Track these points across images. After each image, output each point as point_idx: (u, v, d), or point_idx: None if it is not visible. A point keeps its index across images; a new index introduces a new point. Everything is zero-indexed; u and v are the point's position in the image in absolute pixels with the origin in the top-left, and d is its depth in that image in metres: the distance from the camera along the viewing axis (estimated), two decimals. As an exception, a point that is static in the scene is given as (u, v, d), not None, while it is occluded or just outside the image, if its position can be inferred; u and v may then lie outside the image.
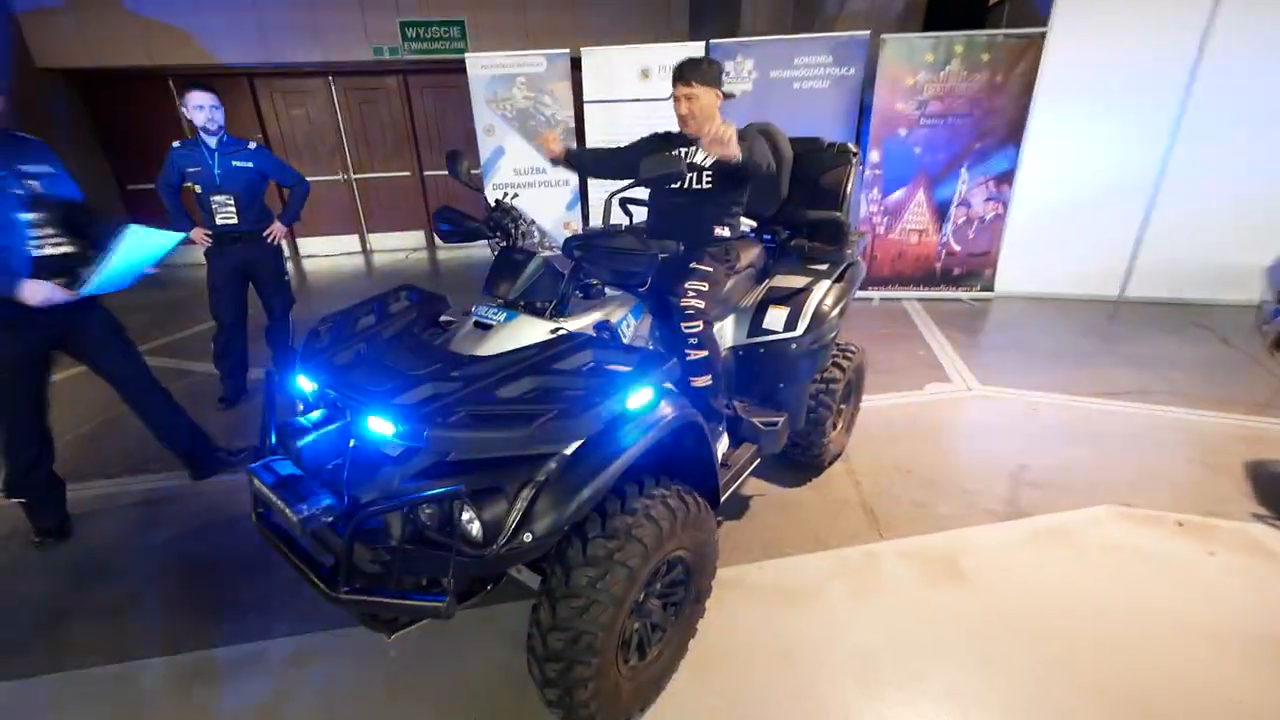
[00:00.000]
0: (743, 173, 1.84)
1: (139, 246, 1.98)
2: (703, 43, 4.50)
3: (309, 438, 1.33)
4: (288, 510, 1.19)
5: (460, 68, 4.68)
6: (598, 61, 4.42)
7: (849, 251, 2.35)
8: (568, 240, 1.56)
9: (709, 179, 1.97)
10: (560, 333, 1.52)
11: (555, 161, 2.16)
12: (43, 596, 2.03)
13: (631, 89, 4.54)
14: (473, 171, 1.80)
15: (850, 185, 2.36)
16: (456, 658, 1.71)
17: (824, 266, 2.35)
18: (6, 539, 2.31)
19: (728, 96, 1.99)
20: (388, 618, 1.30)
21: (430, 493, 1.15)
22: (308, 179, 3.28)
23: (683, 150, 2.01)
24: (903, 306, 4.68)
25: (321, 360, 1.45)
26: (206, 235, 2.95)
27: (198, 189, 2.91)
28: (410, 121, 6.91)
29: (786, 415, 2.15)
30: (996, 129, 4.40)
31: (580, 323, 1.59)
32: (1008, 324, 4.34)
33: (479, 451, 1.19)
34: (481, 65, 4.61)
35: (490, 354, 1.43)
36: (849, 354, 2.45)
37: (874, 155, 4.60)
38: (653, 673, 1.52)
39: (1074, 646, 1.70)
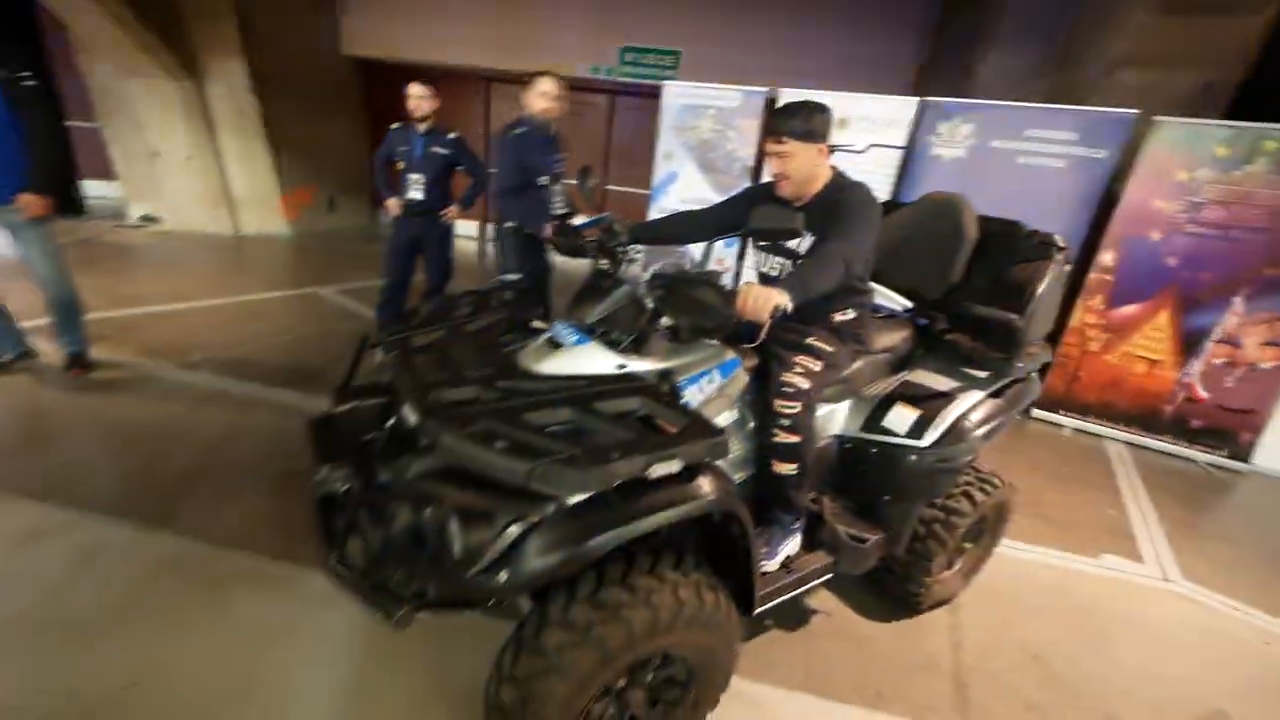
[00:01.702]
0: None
1: None
2: (918, 98, 4.11)
3: (359, 404, 1.39)
4: (317, 468, 1.24)
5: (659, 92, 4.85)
6: (795, 105, 4.26)
7: (1020, 365, 1.91)
8: (652, 275, 1.45)
9: None
10: (624, 370, 1.41)
11: (606, 248, 1.64)
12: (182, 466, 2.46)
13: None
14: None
15: (1042, 286, 1.91)
16: (455, 654, 1.68)
17: (983, 374, 1.93)
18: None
19: (834, 150, 1.68)
20: (368, 604, 1.30)
21: (431, 489, 1.11)
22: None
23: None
24: (1103, 447, 3.74)
25: (402, 337, 1.52)
26: (399, 205, 3.39)
27: (401, 165, 3.38)
28: (608, 137, 7.42)
29: (882, 536, 1.79)
30: (1305, 257, 3.34)
31: (650, 365, 1.47)
32: (1259, 513, 3.22)
33: (486, 470, 1.13)
34: (677, 94, 4.73)
35: (546, 373, 1.38)
36: (990, 486, 1.97)
37: (1107, 257, 3.78)
38: (614, 771, 1.33)
39: None
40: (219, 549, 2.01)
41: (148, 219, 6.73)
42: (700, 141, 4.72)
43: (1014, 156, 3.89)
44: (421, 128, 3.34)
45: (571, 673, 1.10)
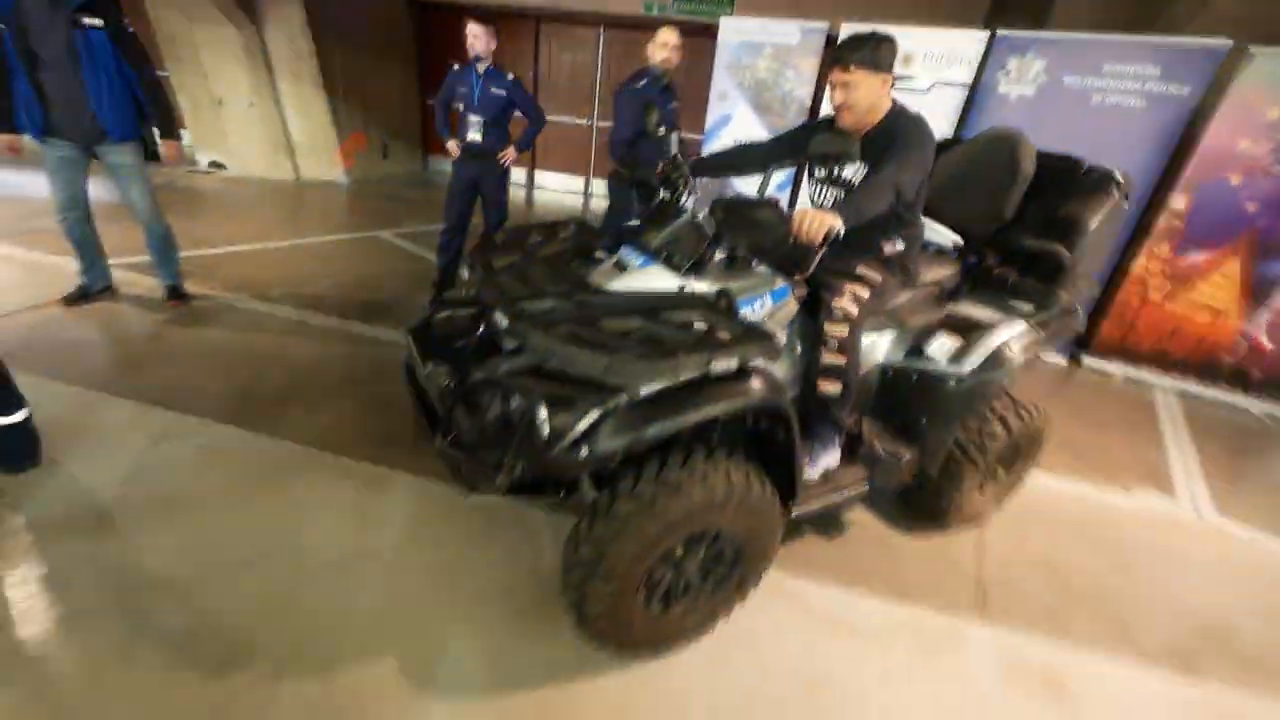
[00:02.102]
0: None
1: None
2: (988, 32, 3.92)
3: (452, 315, 1.58)
4: (419, 367, 1.45)
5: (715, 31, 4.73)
6: (856, 40, 4.12)
7: (1065, 297, 1.96)
8: (714, 201, 1.57)
9: None
10: (685, 290, 1.56)
11: (670, 180, 1.79)
12: (278, 384, 2.77)
13: (884, 72, 4.16)
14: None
15: (1096, 221, 1.93)
16: (528, 541, 1.94)
17: (1027, 306, 1.99)
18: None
19: (897, 81, 1.72)
20: (468, 480, 1.52)
21: (522, 383, 1.30)
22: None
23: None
24: (1153, 396, 3.71)
25: (484, 259, 1.70)
26: (458, 147, 3.52)
27: (460, 107, 3.48)
28: (661, 80, 7.24)
29: (916, 453, 1.92)
30: (1398, 200, 3.14)
31: (708, 287, 1.60)
32: (1310, 461, 3.19)
33: (567, 366, 1.31)
34: (733, 29, 4.61)
35: (615, 290, 1.53)
36: (1024, 414, 2.06)
37: (1179, 202, 3.63)
38: (670, 628, 1.56)
39: None
40: (320, 452, 2.30)
41: (216, 165, 7.09)
42: (756, 81, 4.64)
43: (1088, 95, 3.71)
44: (480, 68, 3.39)
45: (638, 536, 1.30)
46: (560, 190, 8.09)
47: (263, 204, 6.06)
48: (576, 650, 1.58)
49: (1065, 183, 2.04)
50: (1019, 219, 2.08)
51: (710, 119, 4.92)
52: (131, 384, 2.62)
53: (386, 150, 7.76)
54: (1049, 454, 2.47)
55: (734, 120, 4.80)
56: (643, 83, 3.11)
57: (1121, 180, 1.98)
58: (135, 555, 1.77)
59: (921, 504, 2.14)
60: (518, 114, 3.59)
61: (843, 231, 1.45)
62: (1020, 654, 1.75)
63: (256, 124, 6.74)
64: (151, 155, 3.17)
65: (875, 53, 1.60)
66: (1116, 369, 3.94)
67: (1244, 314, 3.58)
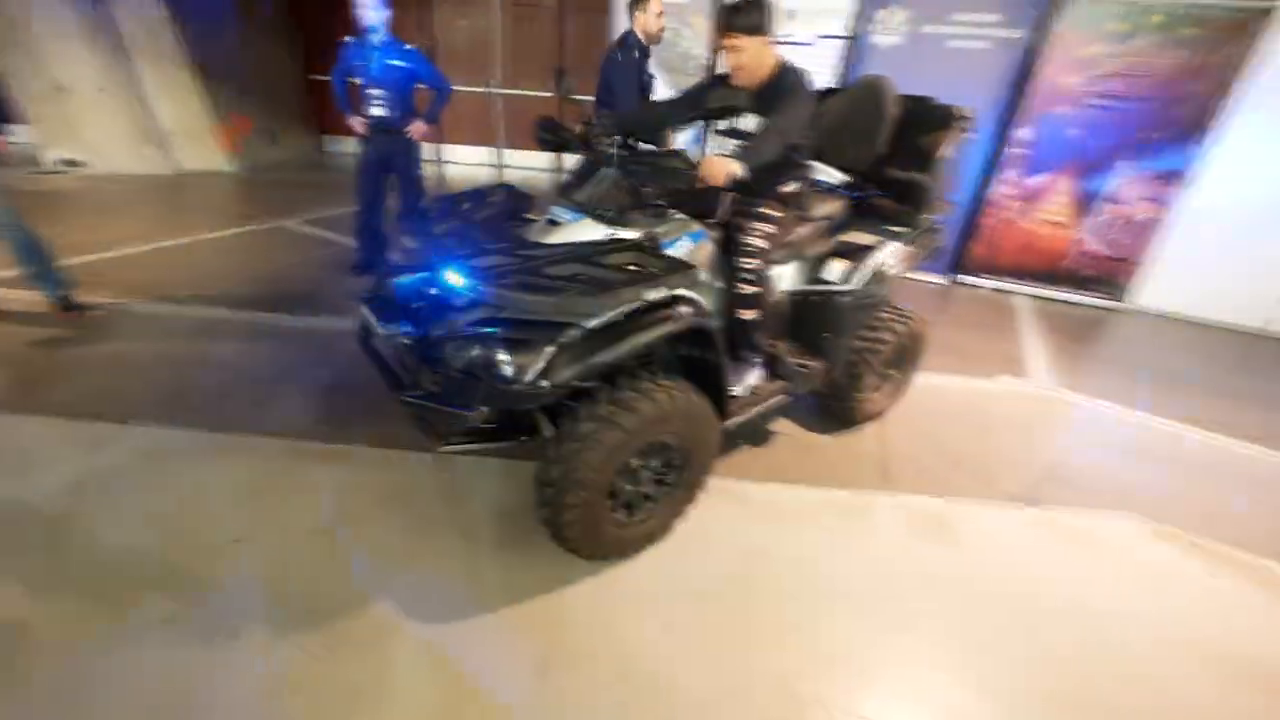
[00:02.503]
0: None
1: None
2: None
3: (403, 281, 1.70)
4: (380, 329, 1.57)
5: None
6: (741, -3, 4.34)
7: (926, 217, 2.33)
8: (631, 155, 1.76)
9: None
10: (614, 237, 1.75)
11: (589, 141, 1.89)
12: (207, 382, 2.72)
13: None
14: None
15: (947, 150, 2.30)
16: (493, 487, 2.12)
17: (900, 229, 2.36)
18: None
19: (779, 39, 1.97)
20: (439, 430, 1.66)
21: (480, 333, 1.47)
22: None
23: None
24: (1012, 301, 4.37)
25: (424, 227, 1.81)
26: (363, 124, 3.44)
27: (359, 81, 3.38)
28: (560, 43, 7.18)
29: (823, 363, 2.26)
30: (1178, 120, 3.83)
31: (635, 233, 1.81)
32: (1127, 340, 3.93)
33: (522, 311, 1.48)
34: (627, -9, 4.70)
35: (551, 243, 1.71)
36: (906, 320, 2.46)
37: (1024, 132, 4.20)
38: (635, 533, 1.81)
39: (1039, 624, 1.77)
40: (272, 438, 2.32)
41: (70, 163, 6.34)
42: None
43: (944, 41, 4.16)
44: (375, 39, 3.29)
45: (600, 449, 1.52)
46: (471, 163, 7.90)
47: (141, 201, 5.54)
48: (555, 569, 1.80)
49: (921, 120, 2.39)
50: (890, 155, 2.42)
51: (613, 81, 5.01)
52: (41, 401, 2.47)
53: (275, 134, 7.23)
54: (932, 356, 2.93)
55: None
56: (637, 54, 3.16)
57: (964, 114, 2.35)
58: (104, 557, 1.77)
59: (832, 408, 2.51)
60: (423, 85, 3.53)
61: (744, 175, 1.69)
62: (918, 511, 2.17)
63: (114, 113, 6.06)
64: None
65: (755, 18, 1.82)
66: (986, 283, 4.58)
67: (1076, 224, 4.26)
